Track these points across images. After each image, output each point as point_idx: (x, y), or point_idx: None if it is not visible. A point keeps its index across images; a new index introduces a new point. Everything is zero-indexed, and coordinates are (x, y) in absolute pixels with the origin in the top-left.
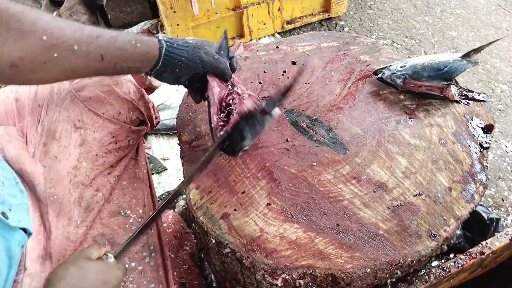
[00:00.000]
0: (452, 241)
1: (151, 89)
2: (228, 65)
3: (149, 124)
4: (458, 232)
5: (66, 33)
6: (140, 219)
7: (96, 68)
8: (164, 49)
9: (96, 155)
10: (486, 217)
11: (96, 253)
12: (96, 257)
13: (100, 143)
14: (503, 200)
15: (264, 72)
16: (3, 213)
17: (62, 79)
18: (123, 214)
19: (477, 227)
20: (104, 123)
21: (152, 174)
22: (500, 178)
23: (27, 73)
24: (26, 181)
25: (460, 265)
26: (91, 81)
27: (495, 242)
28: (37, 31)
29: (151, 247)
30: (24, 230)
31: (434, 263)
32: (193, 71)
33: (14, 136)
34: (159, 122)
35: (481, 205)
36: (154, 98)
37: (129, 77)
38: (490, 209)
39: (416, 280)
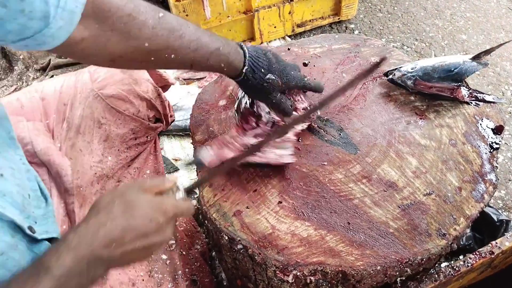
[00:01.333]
0: (461, 242)
1: (166, 86)
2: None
3: (164, 121)
4: (468, 233)
5: (169, 42)
6: None
7: (185, 69)
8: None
9: (119, 150)
10: (496, 219)
11: (157, 186)
12: (155, 190)
13: (122, 139)
14: None
15: None
16: (30, 228)
17: (147, 70)
18: None
19: (487, 228)
20: (126, 120)
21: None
22: (510, 181)
23: (123, 67)
24: (53, 173)
25: (469, 264)
26: (112, 80)
27: (505, 242)
28: (141, 37)
29: (176, 235)
30: (50, 240)
31: (443, 264)
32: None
33: (42, 131)
34: (173, 120)
35: (490, 206)
36: None
37: (147, 76)
38: (500, 211)
39: (426, 279)
